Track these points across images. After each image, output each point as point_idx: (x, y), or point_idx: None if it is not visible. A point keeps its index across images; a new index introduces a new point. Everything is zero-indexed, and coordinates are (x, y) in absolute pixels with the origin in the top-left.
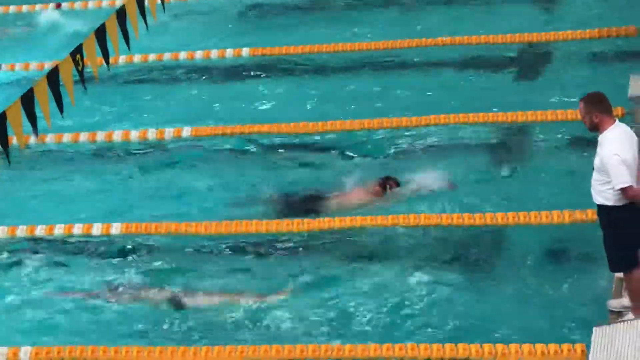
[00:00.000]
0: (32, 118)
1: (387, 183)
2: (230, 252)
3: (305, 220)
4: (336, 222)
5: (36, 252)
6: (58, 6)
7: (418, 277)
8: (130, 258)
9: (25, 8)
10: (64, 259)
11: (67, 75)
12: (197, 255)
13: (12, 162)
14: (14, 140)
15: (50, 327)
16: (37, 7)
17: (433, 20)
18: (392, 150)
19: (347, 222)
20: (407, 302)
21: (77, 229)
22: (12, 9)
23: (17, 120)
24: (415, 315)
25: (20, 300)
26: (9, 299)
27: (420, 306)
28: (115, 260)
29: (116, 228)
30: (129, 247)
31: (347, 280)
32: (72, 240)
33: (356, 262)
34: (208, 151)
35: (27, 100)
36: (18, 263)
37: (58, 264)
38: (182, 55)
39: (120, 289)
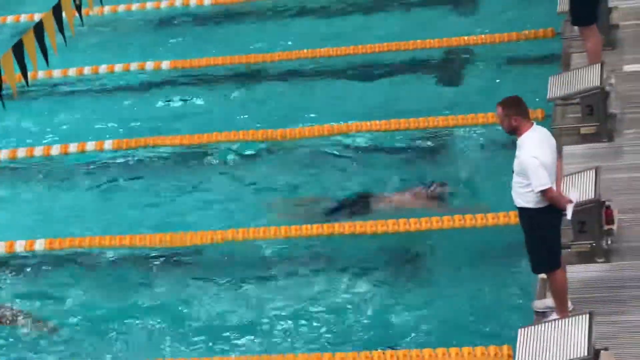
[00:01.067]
0: None
1: (432, 186)
2: None
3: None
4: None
5: None
6: None
7: (349, 283)
8: None
9: None
10: None
11: None
12: None
13: None
14: None
15: None
16: None
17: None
18: None
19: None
20: (333, 309)
21: None
22: None
23: None
24: (344, 322)
25: None
26: None
27: (347, 313)
28: None
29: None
30: None
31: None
32: None
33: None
34: None
35: None
36: None
37: None
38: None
39: None
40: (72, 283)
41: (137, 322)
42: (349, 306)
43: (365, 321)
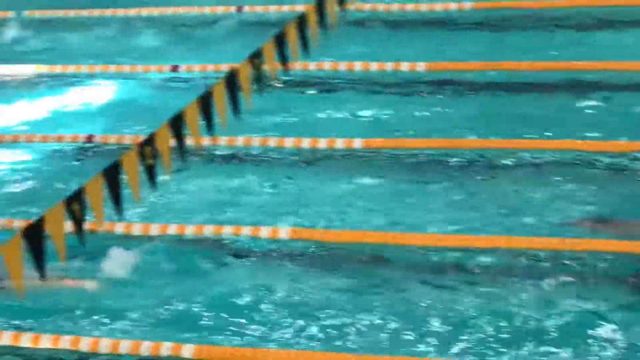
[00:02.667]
0: (209, 119)
1: None
2: None
3: None
4: None
5: None
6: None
7: None
8: None
9: (207, 10)
10: None
11: (245, 78)
12: None
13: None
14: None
15: None
16: (219, 9)
17: None
18: None
19: None
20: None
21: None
22: (194, 10)
23: (194, 120)
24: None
25: None
26: None
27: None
28: None
29: None
30: None
31: None
32: None
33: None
34: None
35: (205, 102)
36: None
37: None
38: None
39: None
40: None
41: None
42: None
43: None
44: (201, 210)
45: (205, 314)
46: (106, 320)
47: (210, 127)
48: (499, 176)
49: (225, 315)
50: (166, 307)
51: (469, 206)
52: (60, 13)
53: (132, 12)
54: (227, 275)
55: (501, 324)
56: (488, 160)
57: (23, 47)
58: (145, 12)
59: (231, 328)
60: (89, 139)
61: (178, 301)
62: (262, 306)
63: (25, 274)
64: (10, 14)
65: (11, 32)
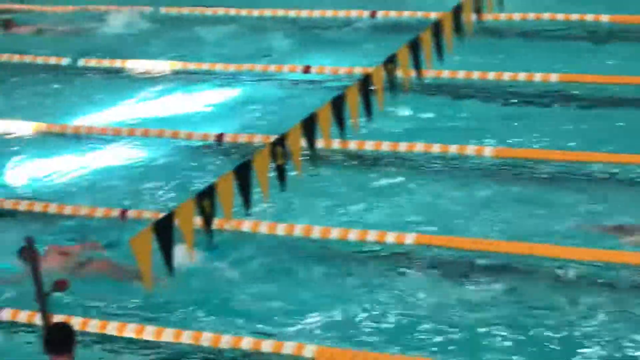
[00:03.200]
0: (341, 121)
1: None
2: None
3: None
4: None
5: None
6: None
7: None
8: None
9: (341, 13)
10: None
11: (379, 83)
12: None
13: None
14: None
15: None
16: (353, 13)
17: None
18: None
19: None
20: None
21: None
22: (328, 13)
23: (326, 122)
24: None
25: None
26: None
27: None
28: None
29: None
30: None
31: None
32: None
33: None
34: None
35: (338, 104)
36: None
37: None
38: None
39: None
40: None
41: None
42: None
43: None
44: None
45: None
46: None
47: (342, 129)
48: None
49: None
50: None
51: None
52: (196, 11)
53: (266, 12)
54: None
55: None
56: None
57: (158, 42)
58: (280, 12)
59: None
60: (219, 137)
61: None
62: None
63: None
64: (147, 9)
65: (146, 26)
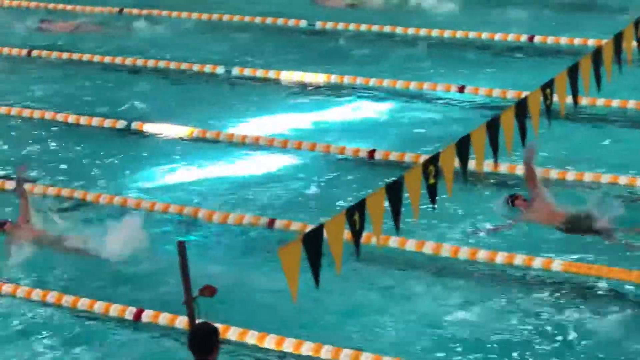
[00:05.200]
0: (495, 145)
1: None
2: None
3: None
4: None
5: None
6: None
7: None
8: None
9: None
10: None
11: (535, 107)
12: None
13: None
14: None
15: None
16: (510, 37)
17: None
18: None
19: None
20: None
21: None
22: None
23: (481, 144)
24: None
25: None
26: None
27: None
28: None
29: None
30: None
31: None
32: None
33: None
34: None
35: (493, 127)
36: None
37: None
38: None
39: None
40: None
41: None
42: None
43: None
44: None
45: None
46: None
47: (495, 152)
48: None
49: None
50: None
51: None
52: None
53: (422, 31)
54: None
55: None
56: None
57: (310, 54)
58: (435, 33)
59: None
60: (371, 154)
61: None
62: None
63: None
64: (302, 22)
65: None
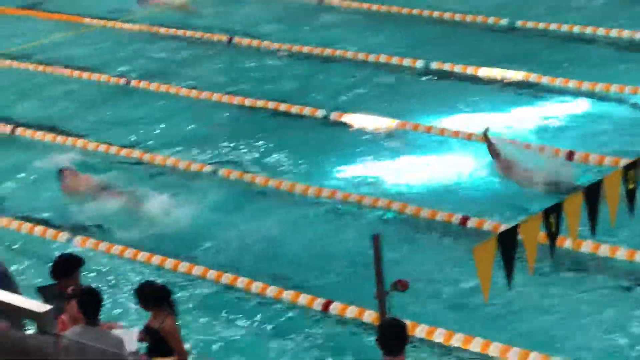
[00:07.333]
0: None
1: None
2: None
3: None
4: None
5: None
6: None
7: None
8: None
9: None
10: None
11: None
12: None
13: None
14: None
15: None
16: None
17: None
18: None
19: None
20: None
21: None
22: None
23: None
24: None
25: None
26: None
27: None
28: None
29: None
30: None
31: None
32: None
33: None
34: None
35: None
36: None
37: None
38: None
39: None
40: None
41: None
42: None
43: None
44: None
45: None
46: None
47: None
48: None
49: None
50: None
51: None
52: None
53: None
54: None
55: None
56: None
57: (516, 51)
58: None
59: None
60: (570, 154)
61: None
62: None
63: None
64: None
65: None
